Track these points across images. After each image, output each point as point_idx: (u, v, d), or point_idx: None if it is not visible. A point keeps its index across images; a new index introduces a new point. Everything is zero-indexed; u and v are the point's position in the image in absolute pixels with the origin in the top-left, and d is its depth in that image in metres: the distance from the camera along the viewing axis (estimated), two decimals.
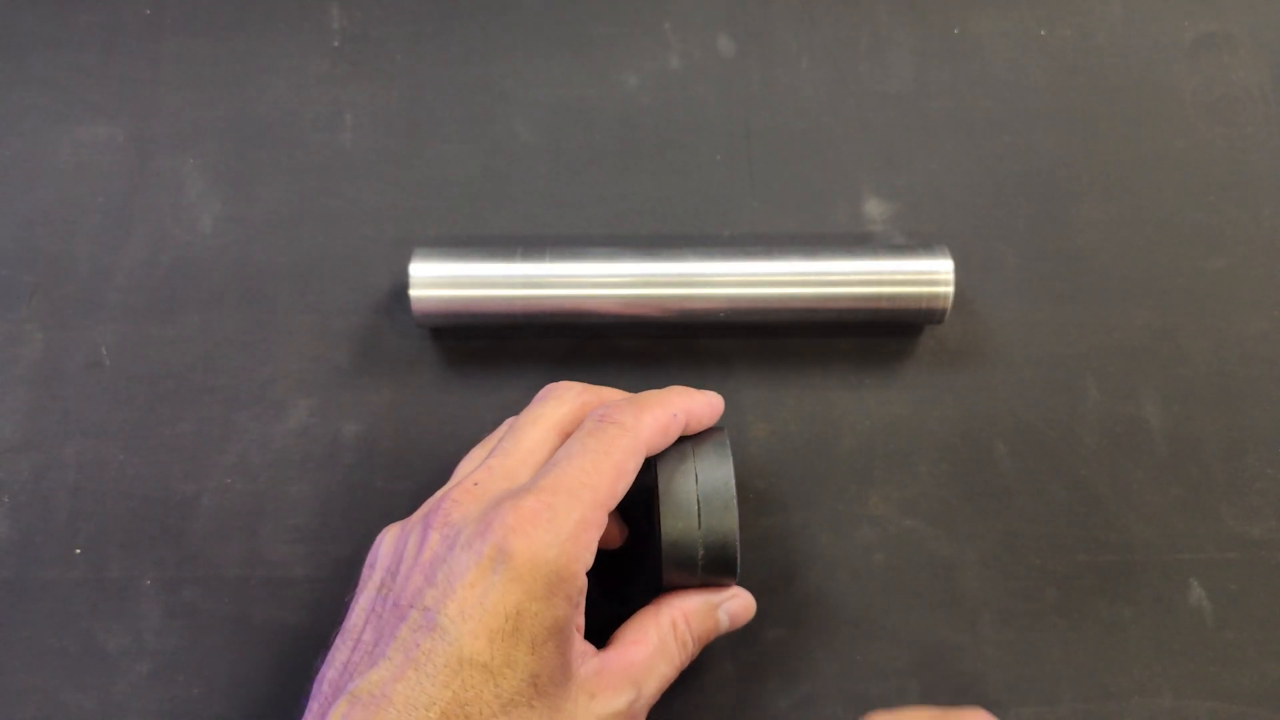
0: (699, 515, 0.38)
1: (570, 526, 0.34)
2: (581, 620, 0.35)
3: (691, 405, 0.40)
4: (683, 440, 0.40)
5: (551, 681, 0.33)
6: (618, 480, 0.35)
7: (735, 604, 0.40)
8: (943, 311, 0.46)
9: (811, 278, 0.46)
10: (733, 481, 0.39)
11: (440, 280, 0.45)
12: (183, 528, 0.46)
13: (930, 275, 0.46)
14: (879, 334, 0.49)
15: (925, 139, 0.52)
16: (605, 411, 0.37)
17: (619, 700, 0.35)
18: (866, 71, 0.53)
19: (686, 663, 0.39)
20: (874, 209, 0.51)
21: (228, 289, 0.49)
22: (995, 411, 0.48)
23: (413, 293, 0.45)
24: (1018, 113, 0.52)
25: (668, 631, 0.38)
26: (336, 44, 0.53)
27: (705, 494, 0.38)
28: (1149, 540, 0.47)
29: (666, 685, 0.38)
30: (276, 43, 0.53)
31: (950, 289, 0.46)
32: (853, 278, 0.46)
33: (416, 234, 0.50)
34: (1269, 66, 0.53)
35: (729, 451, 0.40)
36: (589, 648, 0.36)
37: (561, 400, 0.39)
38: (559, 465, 0.35)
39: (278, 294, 0.49)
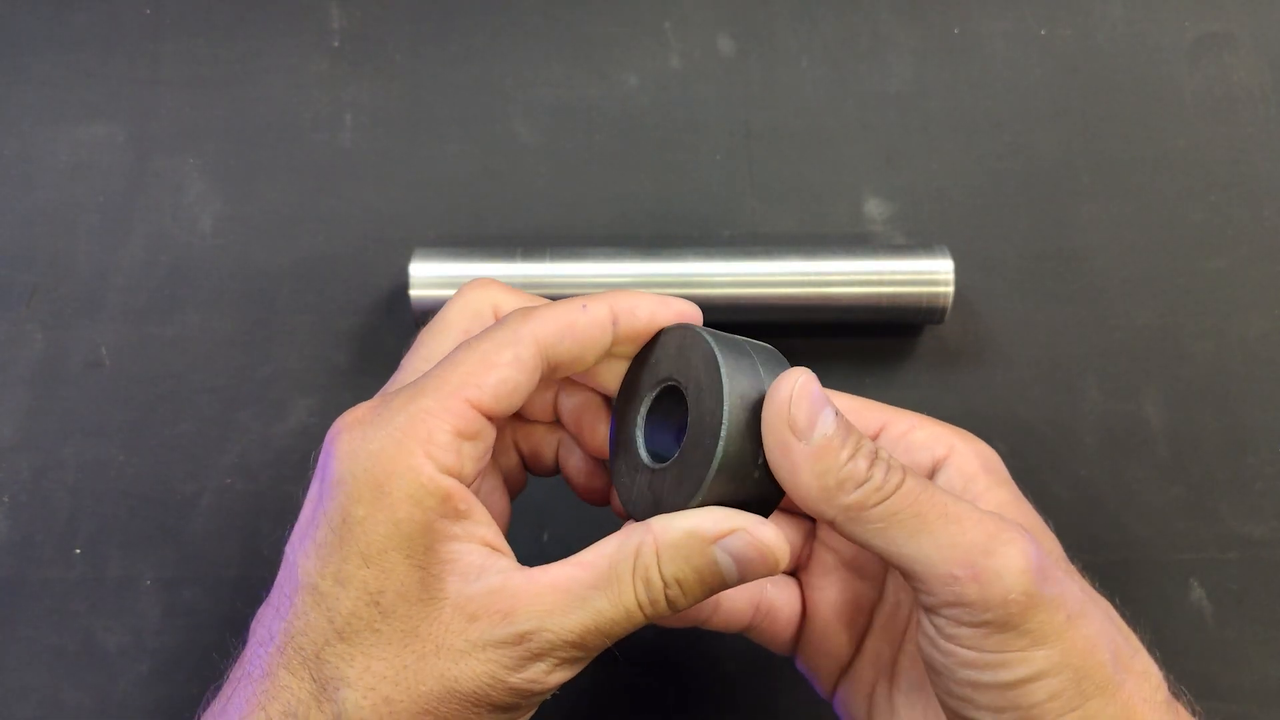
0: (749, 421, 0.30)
1: (402, 419, 0.28)
2: (473, 529, 0.29)
3: (629, 303, 0.32)
4: (738, 339, 0.33)
5: (402, 599, 0.28)
6: (482, 370, 0.29)
7: (740, 542, 0.29)
8: (943, 311, 0.46)
9: (811, 278, 0.46)
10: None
11: (440, 280, 0.45)
12: (183, 528, 0.46)
13: (930, 275, 0.46)
14: (879, 334, 0.49)
15: (925, 139, 0.52)
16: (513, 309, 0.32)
17: (506, 628, 0.28)
18: (866, 71, 0.53)
19: (653, 610, 0.29)
20: (874, 209, 0.51)
21: (228, 289, 0.49)
22: (995, 411, 0.48)
23: (413, 293, 0.45)
24: (1018, 113, 0.52)
25: (627, 557, 0.29)
26: (336, 44, 0.53)
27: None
28: (1149, 540, 0.47)
29: (610, 629, 0.29)
30: (276, 43, 0.53)
31: (950, 289, 0.46)
32: (853, 278, 0.46)
33: (416, 234, 0.50)
34: (1269, 66, 0.53)
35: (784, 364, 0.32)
36: (498, 563, 0.29)
37: (466, 301, 0.33)
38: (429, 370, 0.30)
39: (278, 294, 0.49)
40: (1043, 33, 0.54)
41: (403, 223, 0.50)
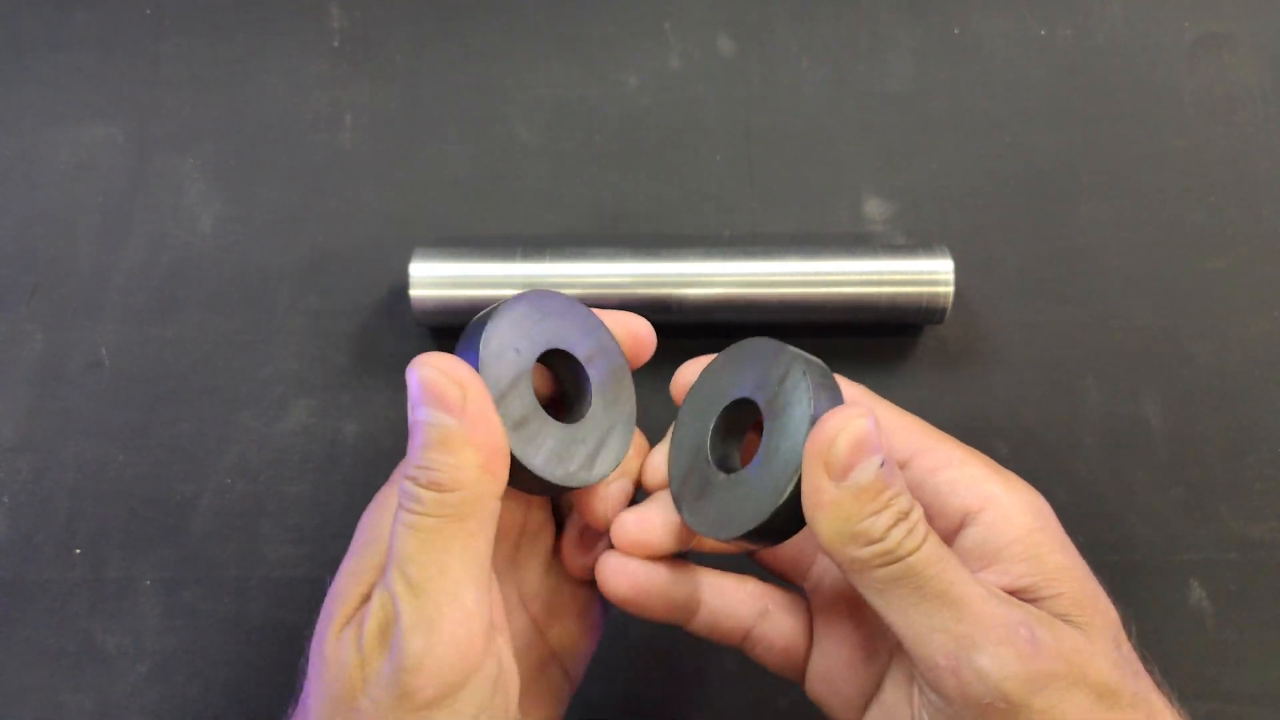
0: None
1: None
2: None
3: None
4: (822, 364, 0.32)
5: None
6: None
7: None
8: (943, 311, 0.46)
9: (811, 278, 0.46)
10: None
11: (440, 280, 0.45)
12: (183, 528, 0.46)
13: (930, 275, 0.46)
14: (879, 334, 0.49)
15: (925, 139, 0.52)
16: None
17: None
18: (866, 71, 0.53)
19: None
20: (874, 209, 0.51)
21: (228, 289, 0.49)
22: (995, 411, 0.48)
23: (413, 293, 0.45)
24: (1018, 113, 0.52)
25: None
26: (336, 44, 0.53)
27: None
28: (1149, 540, 0.47)
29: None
30: (276, 43, 0.53)
31: (950, 289, 0.46)
32: (853, 278, 0.46)
33: (416, 234, 0.50)
34: (1269, 66, 0.53)
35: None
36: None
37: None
38: None
39: (278, 294, 0.49)
40: (1043, 33, 0.54)
41: (403, 223, 0.50)
